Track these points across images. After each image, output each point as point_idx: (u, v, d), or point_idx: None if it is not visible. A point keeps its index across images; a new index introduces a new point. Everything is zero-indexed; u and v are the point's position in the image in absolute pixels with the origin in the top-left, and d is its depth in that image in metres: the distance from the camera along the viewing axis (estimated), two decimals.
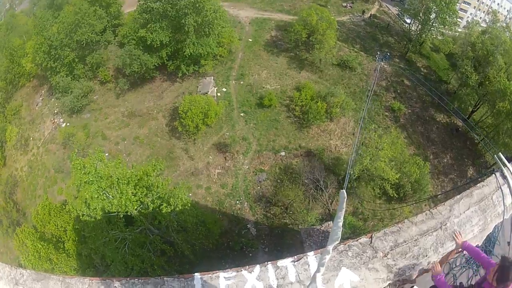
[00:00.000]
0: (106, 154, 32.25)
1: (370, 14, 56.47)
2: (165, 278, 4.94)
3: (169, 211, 20.48)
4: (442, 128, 42.72)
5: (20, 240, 26.00)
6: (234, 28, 47.13)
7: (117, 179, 19.81)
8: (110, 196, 19.73)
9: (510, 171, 5.93)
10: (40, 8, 51.67)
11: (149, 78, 43.28)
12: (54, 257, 23.93)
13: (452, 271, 5.98)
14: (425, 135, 41.63)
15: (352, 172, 30.50)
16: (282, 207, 32.68)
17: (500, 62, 39.28)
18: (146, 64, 40.22)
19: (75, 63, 43.50)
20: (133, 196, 19.69)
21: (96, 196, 19.35)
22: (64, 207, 26.27)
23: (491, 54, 39.58)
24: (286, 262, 5.01)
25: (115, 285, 4.85)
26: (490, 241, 6.19)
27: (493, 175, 6.00)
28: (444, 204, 5.56)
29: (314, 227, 27.32)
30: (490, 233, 5.84)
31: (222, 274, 4.92)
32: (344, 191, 4.37)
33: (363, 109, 35.74)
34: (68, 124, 42.54)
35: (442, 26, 46.50)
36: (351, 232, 27.51)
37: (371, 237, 5.23)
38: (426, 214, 5.47)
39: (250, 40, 48.12)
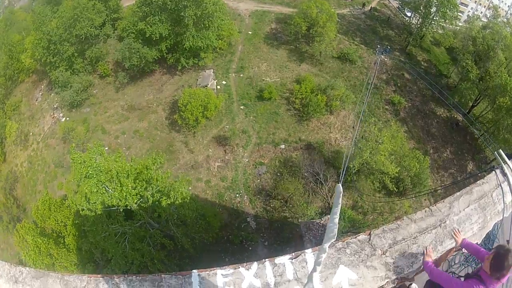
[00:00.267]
0: (106, 148, 32.16)
1: (371, 7, 56.05)
2: (162, 275, 4.93)
3: (169, 203, 20.54)
4: (442, 123, 42.61)
5: (20, 235, 26.00)
6: (233, 21, 46.79)
7: (116, 173, 19.80)
8: (110, 190, 19.76)
9: (510, 168, 5.86)
10: (39, 4, 51.25)
11: (148, 72, 43.07)
12: (55, 252, 23.98)
13: (451, 268, 5.96)
14: (425, 129, 41.53)
15: (352, 166, 30.55)
16: (282, 201, 32.69)
17: (501, 57, 39.08)
18: (145, 57, 39.98)
19: (75, 58, 43.27)
20: (133, 190, 19.73)
21: (95, 190, 19.41)
22: (64, 202, 26.21)
23: (491, 49, 39.39)
24: (283, 259, 4.97)
25: (113, 282, 4.85)
26: (489, 240, 6.15)
27: (493, 172, 5.92)
28: (443, 201, 5.51)
29: (314, 220, 27.39)
30: (490, 231, 5.79)
31: (219, 271, 4.90)
32: (340, 185, 4.31)
33: (363, 102, 35.65)
34: (67, 118, 42.44)
35: (442, 20, 46.05)
36: (351, 226, 27.57)
37: (369, 234, 5.18)
38: (425, 211, 5.41)
39: (250, 32, 47.84)
